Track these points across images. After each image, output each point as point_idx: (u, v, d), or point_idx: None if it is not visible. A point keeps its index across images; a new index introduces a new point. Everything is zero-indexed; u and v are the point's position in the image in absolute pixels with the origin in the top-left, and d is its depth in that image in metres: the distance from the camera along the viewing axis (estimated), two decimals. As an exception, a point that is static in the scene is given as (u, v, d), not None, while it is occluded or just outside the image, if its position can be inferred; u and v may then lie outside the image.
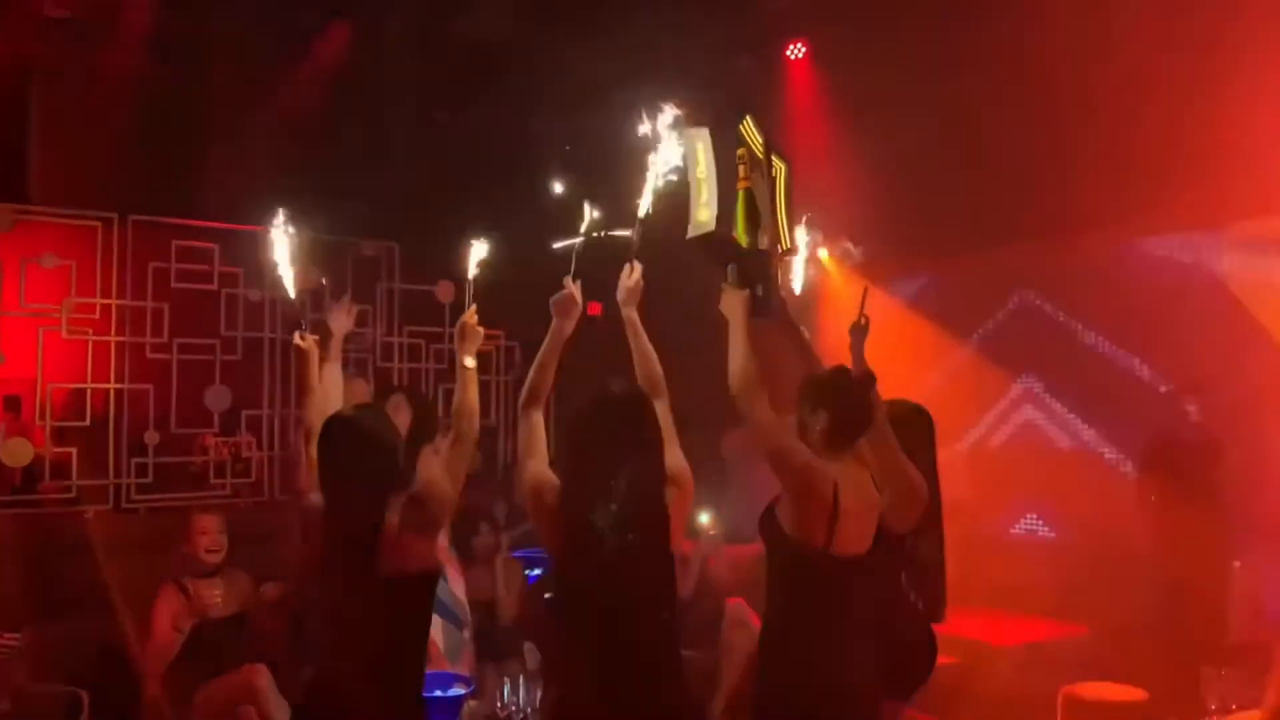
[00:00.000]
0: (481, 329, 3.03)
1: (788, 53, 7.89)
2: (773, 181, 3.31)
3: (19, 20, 6.59)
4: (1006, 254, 7.26)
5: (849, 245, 3.94)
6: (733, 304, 3.05)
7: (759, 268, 3.16)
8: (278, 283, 3.30)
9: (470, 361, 2.94)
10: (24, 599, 5.15)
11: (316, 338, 3.15)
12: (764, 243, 3.21)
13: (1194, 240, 6.46)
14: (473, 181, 7.42)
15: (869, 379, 3.13)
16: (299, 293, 3.38)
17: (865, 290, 3.44)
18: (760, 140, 3.27)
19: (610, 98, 7.36)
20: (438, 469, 2.84)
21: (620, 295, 3.07)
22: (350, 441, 2.76)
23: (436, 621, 4.12)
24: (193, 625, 4.42)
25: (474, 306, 3.04)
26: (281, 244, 3.26)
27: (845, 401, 3.03)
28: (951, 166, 6.71)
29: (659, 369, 3.01)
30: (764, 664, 3.02)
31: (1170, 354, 6.35)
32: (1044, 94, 6.18)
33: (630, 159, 3.08)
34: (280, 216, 3.25)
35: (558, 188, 3.14)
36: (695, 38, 7.30)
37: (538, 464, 2.82)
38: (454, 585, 4.50)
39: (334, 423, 2.82)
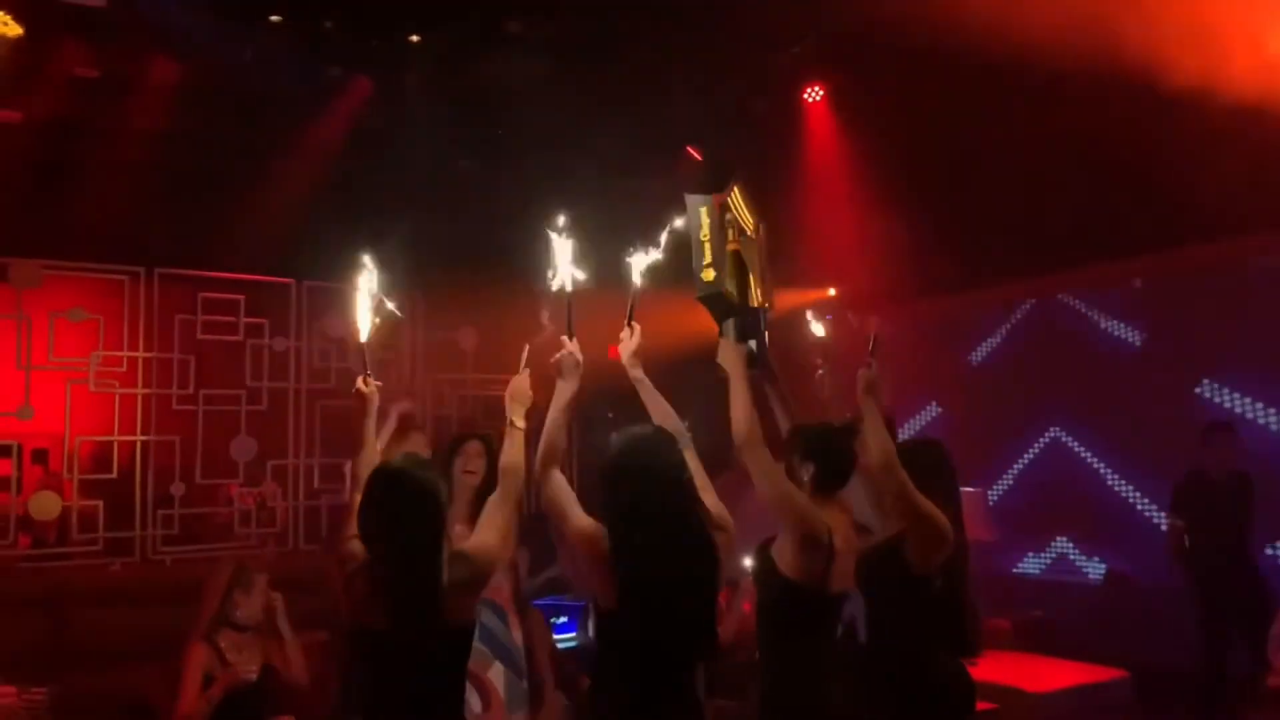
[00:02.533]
0: (532, 392, 2.99)
1: (805, 96, 7.97)
2: (756, 243, 3.49)
3: (48, 80, 6.72)
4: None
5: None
6: (733, 357, 3.17)
7: (753, 323, 3.34)
8: (357, 323, 3.20)
9: (520, 421, 2.93)
10: (51, 652, 5.14)
11: (380, 384, 3.11)
12: (754, 300, 3.39)
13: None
14: (494, 230, 7.45)
15: (850, 428, 3.31)
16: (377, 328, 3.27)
17: (873, 337, 3.45)
18: (746, 209, 3.44)
19: (633, 142, 7.46)
20: (485, 527, 2.82)
21: (624, 358, 3.11)
22: (404, 494, 2.67)
23: (498, 669, 4.01)
24: (225, 692, 4.30)
25: (528, 371, 3.02)
26: (369, 282, 3.20)
27: (831, 453, 3.26)
28: (966, 206, 6.74)
29: (679, 422, 3.05)
30: (766, 702, 3.12)
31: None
32: (1060, 138, 6.19)
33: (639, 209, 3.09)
34: (368, 259, 3.19)
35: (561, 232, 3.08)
36: (715, 81, 7.37)
37: (580, 516, 2.82)
38: (515, 633, 4.30)
39: (384, 475, 2.73)
